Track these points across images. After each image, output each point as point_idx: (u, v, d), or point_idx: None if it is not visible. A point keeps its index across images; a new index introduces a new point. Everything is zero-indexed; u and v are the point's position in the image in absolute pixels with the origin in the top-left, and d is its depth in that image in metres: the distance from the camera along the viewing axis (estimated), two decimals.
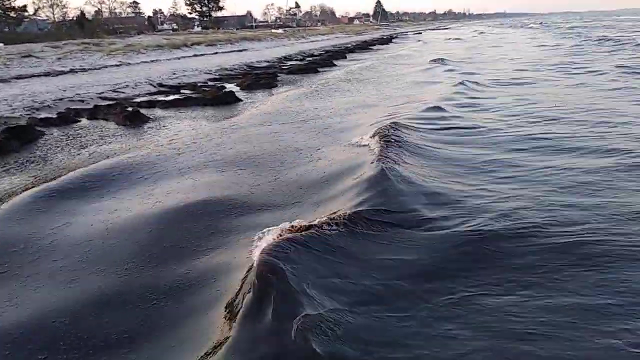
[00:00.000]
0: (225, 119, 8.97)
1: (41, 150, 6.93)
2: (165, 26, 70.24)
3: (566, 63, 15.61)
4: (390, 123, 6.73)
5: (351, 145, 6.13)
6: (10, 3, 53.28)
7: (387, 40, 40.39)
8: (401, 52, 26.54)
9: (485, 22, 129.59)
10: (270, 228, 3.55)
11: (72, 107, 10.17)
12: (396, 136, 6.08)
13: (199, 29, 62.52)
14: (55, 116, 9.22)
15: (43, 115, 9.38)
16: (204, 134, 7.54)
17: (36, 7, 53.70)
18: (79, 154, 6.65)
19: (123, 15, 68.65)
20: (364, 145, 5.95)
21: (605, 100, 8.80)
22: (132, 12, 73.50)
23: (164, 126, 8.61)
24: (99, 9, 65.38)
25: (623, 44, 22.59)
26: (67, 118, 9.06)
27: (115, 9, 66.98)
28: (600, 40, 27.08)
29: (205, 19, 70.60)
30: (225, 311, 2.71)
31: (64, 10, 55.17)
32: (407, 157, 5.35)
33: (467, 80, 11.80)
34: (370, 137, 6.11)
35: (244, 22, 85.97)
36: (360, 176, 4.57)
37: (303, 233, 3.36)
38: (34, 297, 3.04)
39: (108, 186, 5.07)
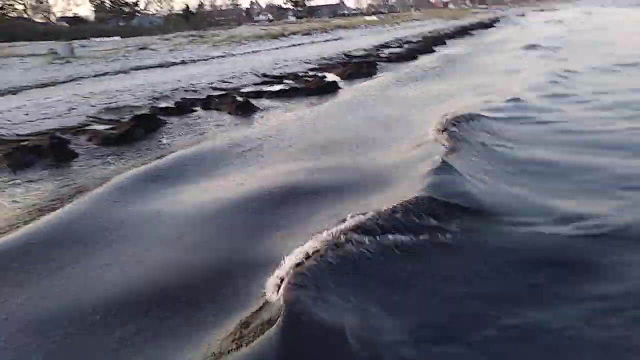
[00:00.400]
0: (326, 108, 9.04)
1: (166, 139, 7.40)
2: (262, 17, 72.52)
3: None
4: (467, 115, 6.43)
5: (425, 137, 5.83)
6: None
7: (487, 25, 38.20)
8: (497, 37, 25.23)
9: (598, 1, 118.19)
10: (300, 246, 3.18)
11: (187, 97, 10.78)
12: (469, 131, 5.78)
13: (294, 18, 63.78)
14: (173, 105, 9.83)
15: (163, 104, 10.04)
16: (306, 121, 7.80)
17: (147, 2, 58.07)
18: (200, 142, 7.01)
19: (223, 8, 71.83)
20: (435, 140, 5.60)
21: None
22: (231, 5, 76.61)
23: (272, 115, 8.84)
24: (201, 2, 69.15)
25: None
26: (184, 108, 9.61)
27: (216, 1, 70.33)
28: None
29: (299, 8, 71.85)
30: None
31: (171, 4, 59.00)
32: (480, 153, 5.00)
33: (561, 68, 10.85)
34: (443, 130, 5.85)
35: (337, 10, 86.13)
36: (427, 169, 4.29)
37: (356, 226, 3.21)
38: (141, 265, 3.33)
39: (213, 167, 5.50)
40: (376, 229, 3.17)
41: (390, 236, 3.14)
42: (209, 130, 7.90)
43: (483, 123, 6.21)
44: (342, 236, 3.08)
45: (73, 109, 9.44)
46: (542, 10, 78.32)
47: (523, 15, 57.19)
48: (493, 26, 37.48)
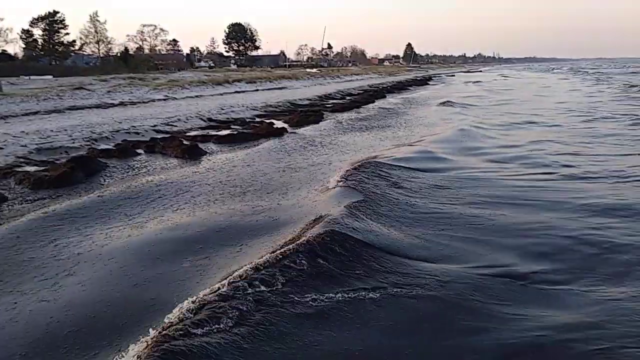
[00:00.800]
0: (268, 153, 9.04)
1: (107, 182, 6.92)
2: (202, 63, 72.70)
3: (580, 109, 15.96)
4: (373, 163, 7.03)
5: (338, 182, 6.13)
6: (59, 38, 56.44)
7: (421, 82, 40.61)
8: (427, 93, 27.34)
9: (515, 66, 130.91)
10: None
11: (129, 140, 10.30)
12: (379, 177, 6.31)
13: (235, 66, 64.52)
14: (114, 148, 9.32)
15: (102, 146, 9.50)
16: (247, 165, 7.85)
17: (83, 42, 56.48)
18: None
19: (163, 52, 71.40)
20: (346, 185, 5.93)
21: (613, 148, 8.63)
22: (172, 50, 76.42)
23: (217, 159, 8.62)
24: (140, 45, 68.40)
25: None
26: (126, 150, 9.13)
27: (156, 46, 69.87)
28: (625, 85, 27.89)
29: (241, 57, 72.98)
30: None
31: (109, 46, 57.73)
32: (384, 199, 5.41)
33: (472, 123, 12.23)
34: (356, 175, 6.31)
35: (278, 61, 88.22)
36: (321, 218, 4.56)
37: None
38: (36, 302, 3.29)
39: (136, 208, 5.31)
40: (258, 281, 3.22)
41: (279, 287, 3.17)
42: (155, 173, 7.52)
43: (392, 171, 6.71)
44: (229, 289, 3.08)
45: (0, 148, 8.68)
46: (468, 71, 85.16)
47: (453, 75, 61.55)
48: (427, 83, 39.94)
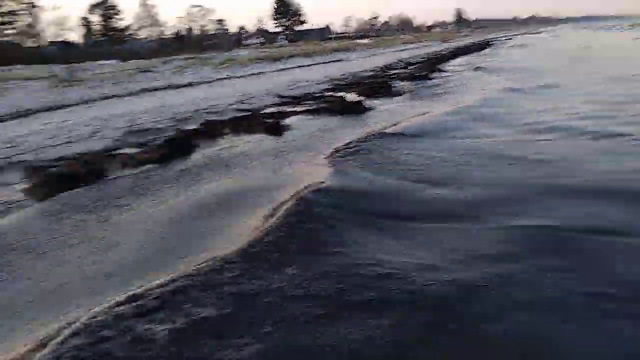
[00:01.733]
0: (353, 126, 8.83)
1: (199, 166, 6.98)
2: (251, 41, 73.00)
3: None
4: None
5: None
6: (114, 23, 58.29)
7: (481, 47, 38.85)
8: (489, 58, 25.71)
9: (573, 26, 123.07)
10: None
11: (211, 119, 10.39)
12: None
13: (285, 42, 64.23)
14: (202, 128, 9.42)
15: (188, 127, 9.63)
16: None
17: (140, 26, 58.07)
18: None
19: (212, 32, 72.20)
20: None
21: None
22: (220, 29, 77.11)
23: (304, 134, 8.54)
24: (190, 27, 69.39)
25: None
26: (214, 130, 9.21)
27: (205, 26, 70.65)
28: None
29: (290, 33, 72.65)
30: None
31: (161, 29, 59.03)
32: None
33: (497, 89, 11.74)
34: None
35: (324, 34, 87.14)
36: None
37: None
38: None
39: None
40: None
41: None
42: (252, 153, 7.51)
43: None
44: None
45: (97, 132, 8.99)
46: (526, 33, 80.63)
47: (510, 38, 58.38)
48: (486, 48, 38.14)
